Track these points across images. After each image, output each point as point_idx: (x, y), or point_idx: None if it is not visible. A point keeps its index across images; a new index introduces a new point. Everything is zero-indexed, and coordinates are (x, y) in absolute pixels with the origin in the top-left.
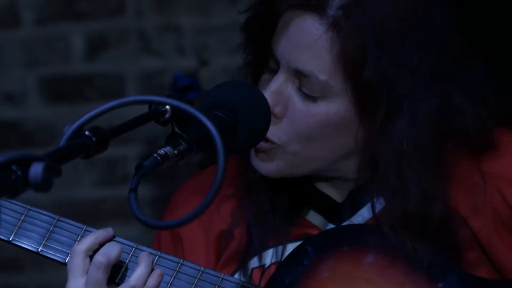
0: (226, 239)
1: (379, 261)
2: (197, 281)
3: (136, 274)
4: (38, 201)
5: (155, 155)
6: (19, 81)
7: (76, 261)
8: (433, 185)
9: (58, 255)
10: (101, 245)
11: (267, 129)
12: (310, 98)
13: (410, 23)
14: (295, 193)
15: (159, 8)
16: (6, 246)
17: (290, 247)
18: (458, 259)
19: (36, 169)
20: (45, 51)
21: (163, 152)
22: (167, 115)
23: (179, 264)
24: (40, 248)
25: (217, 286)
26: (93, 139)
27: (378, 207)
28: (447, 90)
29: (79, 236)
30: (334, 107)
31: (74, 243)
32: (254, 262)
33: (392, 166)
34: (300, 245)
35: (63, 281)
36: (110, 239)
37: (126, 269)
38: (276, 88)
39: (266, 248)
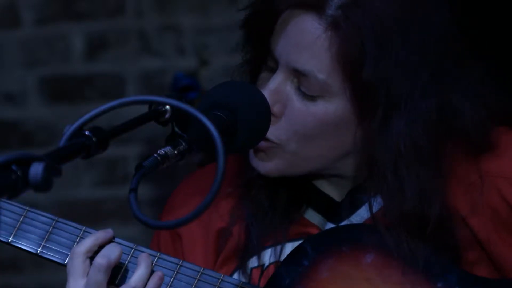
0: (224, 237)
1: (378, 261)
2: (196, 282)
3: (136, 276)
4: (38, 201)
5: (155, 155)
6: (19, 81)
7: (76, 262)
8: (432, 185)
9: (58, 256)
10: (100, 246)
11: (267, 129)
12: (309, 97)
13: (409, 23)
14: (293, 192)
15: (159, 8)
16: (5, 246)
17: (289, 246)
18: (457, 259)
19: (36, 169)
20: (45, 51)
21: (163, 152)
22: (167, 115)
23: (179, 265)
24: (39, 250)
25: (216, 287)
26: (93, 139)
27: (377, 207)
28: (446, 90)
29: (78, 237)
30: (333, 106)
31: (73, 244)
32: (253, 262)
33: (390, 166)
34: (299, 245)
35: (63, 281)
36: (110, 240)
37: (126, 270)
38: (275, 87)
39: (265, 247)
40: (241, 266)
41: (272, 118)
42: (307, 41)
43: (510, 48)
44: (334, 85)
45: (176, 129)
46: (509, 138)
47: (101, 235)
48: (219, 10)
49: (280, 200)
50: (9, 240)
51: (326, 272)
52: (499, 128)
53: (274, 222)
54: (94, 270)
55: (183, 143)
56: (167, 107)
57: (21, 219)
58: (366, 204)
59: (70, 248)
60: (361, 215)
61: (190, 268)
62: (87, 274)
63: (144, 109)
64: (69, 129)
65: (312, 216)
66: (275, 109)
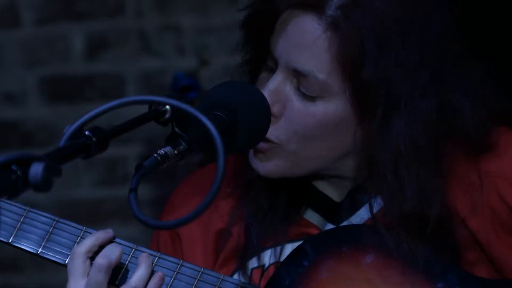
0: (224, 237)
1: (378, 261)
2: (196, 282)
3: (137, 276)
4: (38, 201)
5: (155, 155)
6: (19, 81)
7: (77, 263)
8: (432, 185)
9: (58, 256)
10: (101, 246)
11: (267, 129)
12: (308, 97)
13: (409, 23)
14: (293, 192)
15: (159, 8)
16: (6, 246)
17: (288, 247)
18: (457, 259)
19: (36, 169)
20: (45, 51)
21: (163, 152)
22: (167, 115)
23: (179, 265)
24: (40, 250)
25: (216, 287)
26: (93, 139)
27: (377, 207)
28: (446, 90)
29: (79, 238)
30: (332, 106)
31: (74, 244)
32: (252, 263)
33: (390, 166)
34: (299, 245)
35: (63, 281)
36: (110, 240)
37: (126, 270)
38: (274, 87)
39: (264, 248)
40: (241, 267)
41: (272, 119)
42: (306, 41)
43: (510, 48)
44: (334, 85)
45: (176, 129)
46: (509, 138)
47: (102, 235)
48: (219, 10)
49: (279, 201)
50: (10, 241)
51: (326, 273)
52: (499, 128)
53: (274, 223)
54: (95, 270)
55: (183, 143)
56: (167, 107)
57: (21, 219)
58: (366, 205)
59: (70, 248)
60: (361, 216)
61: (190, 268)
62: (88, 274)
63: (144, 109)
64: (69, 129)
65: (312, 216)
66: (274, 109)
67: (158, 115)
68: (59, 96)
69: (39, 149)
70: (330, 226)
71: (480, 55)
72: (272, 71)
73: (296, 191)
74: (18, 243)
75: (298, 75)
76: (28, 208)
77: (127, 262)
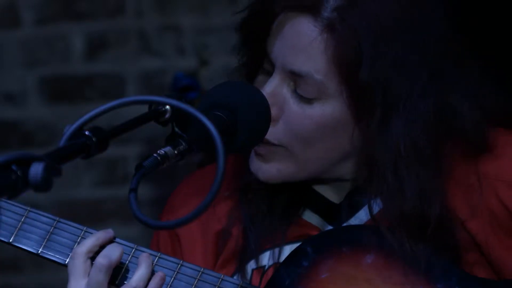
0: (223, 238)
1: (378, 261)
2: (196, 282)
3: (137, 276)
4: (38, 201)
5: (155, 155)
6: (19, 81)
7: (77, 263)
8: (431, 185)
9: (58, 256)
10: (101, 246)
11: (267, 129)
12: (305, 100)
13: (406, 24)
14: (291, 195)
15: (159, 8)
16: (6, 246)
17: (287, 249)
18: (458, 259)
19: (36, 169)
20: (45, 51)
21: (163, 152)
22: (167, 115)
23: (179, 265)
24: (40, 250)
25: (216, 287)
26: (93, 139)
27: (376, 209)
28: (445, 90)
29: (79, 238)
30: (330, 108)
31: (74, 244)
32: (252, 265)
33: (389, 167)
34: (299, 246)
35: (64, 281)
36: (111, 240)
37: (126, 270)
38: (271, 90)
39: (263, 250)
40: (240, 269)
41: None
42: (303, 43)
43: (509, 48)
44: (331, 87)
45: (176, 129)
46: (507, 139)
47: (102, 235)
48: (219, 10)
49: (278, 203)
50: (11, 240)
51: (326, 273)
52: (498, 129)
53: (273, 225)
54: (95, 270)
55: (183, 143)
56: (167, 107)
57: (22, 220)
58: (365, 207)
59: (71, 248)
60: (360, 218)
61: (190, 268)
62: (88, 274)
63: (144, 109)
64: (69, 129)
65: (311, 217)
66: (272, 112)
67: (158, 115)
68: (59, 96)
69: (39, 149)
70: (329, 227)
71: (479, 55)
72: (269, 74)
73: (295, 193)
74: (19, 243)
75: (295, 77)
76: (28, 208)
77: (127, 262)
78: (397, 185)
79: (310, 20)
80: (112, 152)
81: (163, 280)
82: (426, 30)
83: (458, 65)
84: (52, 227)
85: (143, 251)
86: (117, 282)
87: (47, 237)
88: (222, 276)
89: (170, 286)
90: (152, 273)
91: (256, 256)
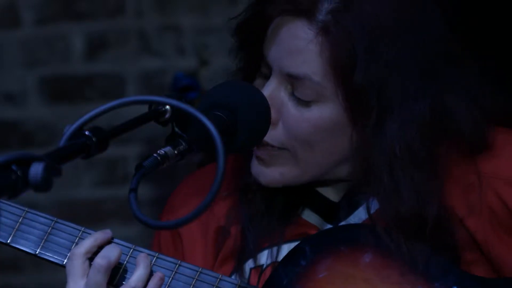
0: (222, 236)
1: (376, 261)
2: (195, 282)
3: (136, 276)
4: (38, 201)
5: (155, 155)
6: (19, 81)
7: (76, 264)
8: (427, 187)
9: (56, 257)
10: (99, 247)
11: (267, 129)
12: (303, 103)
13: (401, 26)
14: (291, 195)
15: (159, 8)
16: (5, 246)
17: (285, 248)
18: (456, 259)
19: (36, 169)
20: (45, 51)
21: (163, 152)
22: (167, 115)
23: (177, 265)
24: (38, 250)
25: (214, 287)
26: (93, 139)
27: (374, 208)
28: (439, 91)
29: (77, 238)
30: (327, 111)
31: (72, 245)
32: (250, 264)
33: (385, 169)
34: (297, 245)
35: (63, 282)
36: (109, 241)
37: (125, 270)
38: (269, 94)
39: (262, 249)
40: (238, 268)
41: None
42: (299, 46)
43: (508, 48)
44: (328, 89)
45: (176, 129)
46: (506, 138)
47: (100, 236)
48: (219, 10)
49: (277, 202)
50: (8, 241)
51: (324, 272)
52: (497, 128)
53: (271, 224)
54: (94, 271)
55: (183, 143)
56: (167, 107)
57: (20, 220)
58: (364, 205)
59: (68, 249)
60: (359, 216)
61: (188, 268)
62: (87, 275)
63: (144, 109)
64: (69, 129)
65: (310, 216)
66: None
67: (158, 115)
68: (59, 96)
69: (39, 149)
70: (328, 226)
71: (478, 55)
72: (266, 77)
73: (294, 194)
74: (17, 244)
75: (292, 80)
76: (26, 209)
77: (125, 262)
78: (393, 187)
79: (306, 24)
80: (112, 152)
81: (162, 280)
82: (422, 32)
83: (454, 65)
84: (50, 228)
85: (141, 251)
86: (115, 282)
87: (45, 237)
88: (220, 276)
89: (168, 286)
90: (151, 273)
91: (254, 255)
